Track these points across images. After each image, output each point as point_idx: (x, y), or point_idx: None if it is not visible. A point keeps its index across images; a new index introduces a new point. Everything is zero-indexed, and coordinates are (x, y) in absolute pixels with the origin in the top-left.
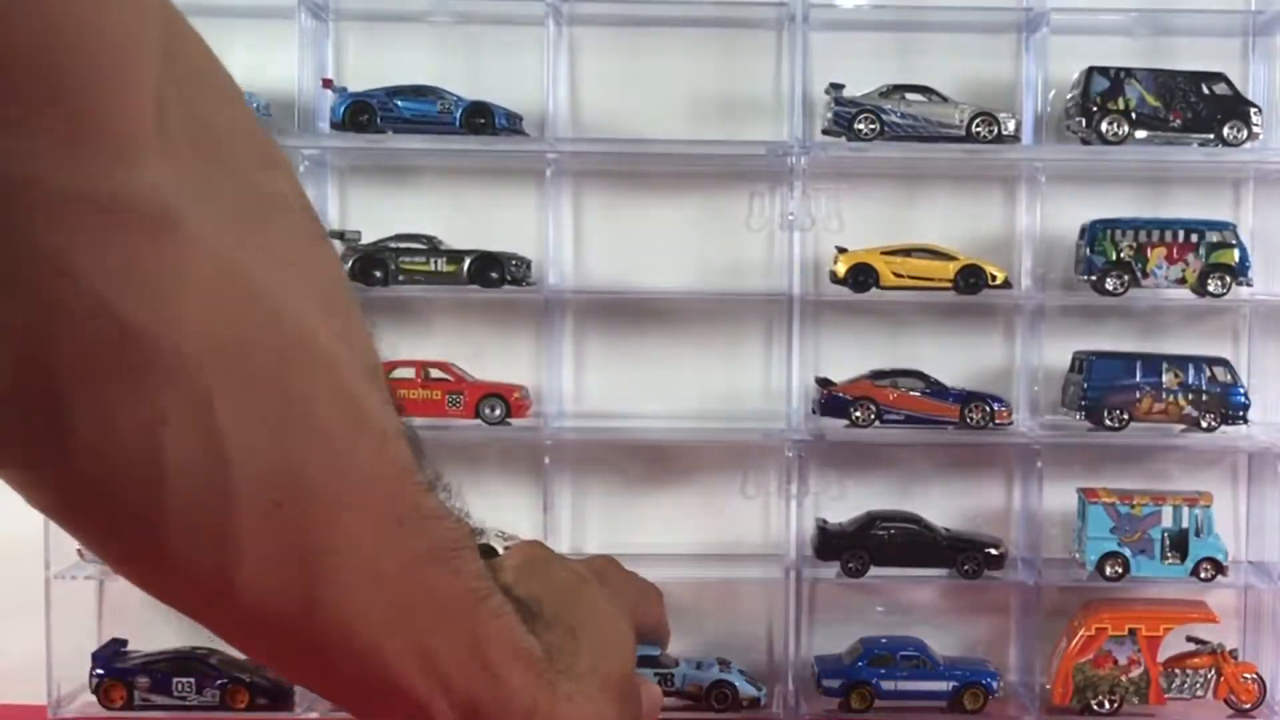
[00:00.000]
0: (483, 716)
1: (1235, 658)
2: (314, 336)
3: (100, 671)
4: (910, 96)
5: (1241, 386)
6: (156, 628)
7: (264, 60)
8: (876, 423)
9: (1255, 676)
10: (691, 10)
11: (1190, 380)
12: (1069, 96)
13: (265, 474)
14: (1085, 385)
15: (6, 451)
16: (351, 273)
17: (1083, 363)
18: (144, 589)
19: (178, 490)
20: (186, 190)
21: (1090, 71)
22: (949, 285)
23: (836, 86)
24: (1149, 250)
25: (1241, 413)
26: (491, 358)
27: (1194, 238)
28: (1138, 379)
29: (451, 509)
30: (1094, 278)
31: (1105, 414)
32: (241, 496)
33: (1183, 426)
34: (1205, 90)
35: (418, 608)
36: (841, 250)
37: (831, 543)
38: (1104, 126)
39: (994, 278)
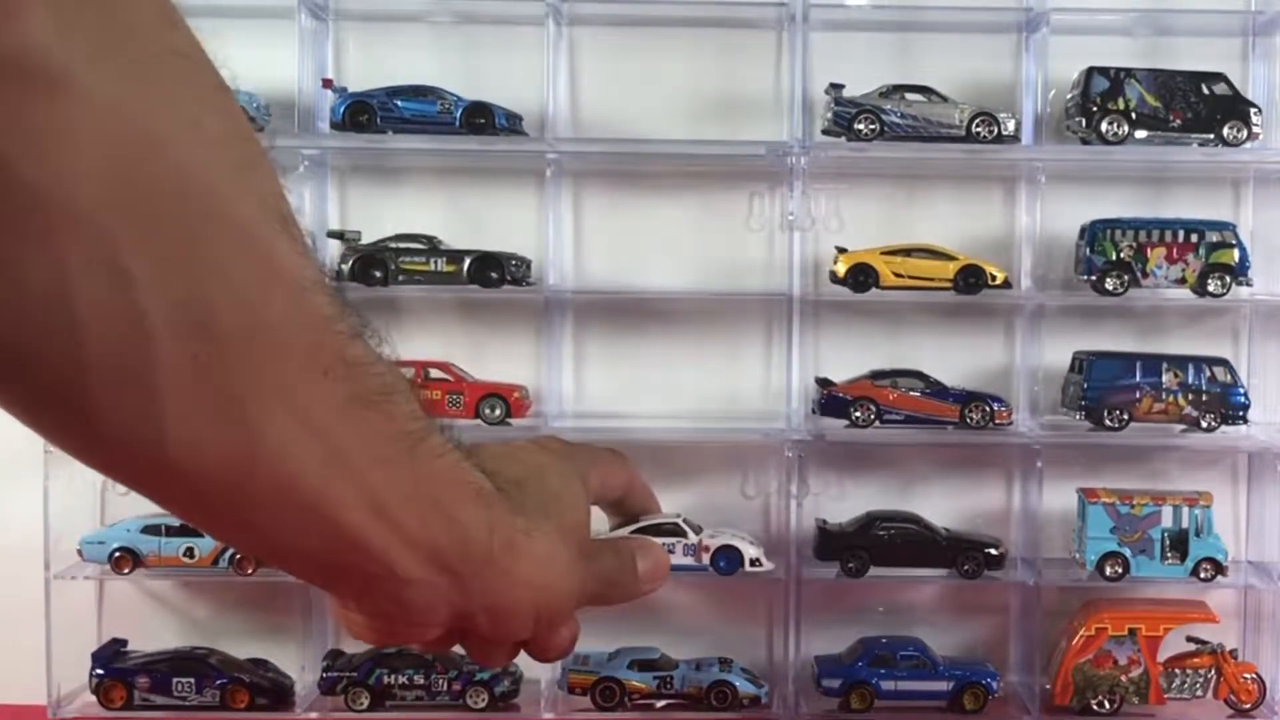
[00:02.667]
0: (445, 557)
1: (1235, 658)
2: (219, 187)
3: (100, 671)
4: (910, 96)
5: (1241, 386)
6: (156, 628)
7: (264, 60)
8: (876, 423)
9: (1255, 676)
10: (691, 10)
11: (1190, 380)
12: (1069, 96)
13: (179, 325)
14: (1085, 385)
15: None
16: (351, 273)
17: (1083, 363)
18: (84, 460)
19: (94, 343)
20: (78, 47)
21: (1090, 71)
22: (949, 285)
23: (836, 86)
24: (1149, 250)
25: (1241, 413)
26: (491, 358)
27: (1194, 238)
28: (1138, 379)
29: (380, 355)
30: (1094, 278)
31: (1105, 414)
32: (158, 347)
33: (1183, 426)
34: (1205, 90)
35: (355, 453)
36: (841, 250)
37: (831, 543)
38: (1104, 126)
39: (994, 278)
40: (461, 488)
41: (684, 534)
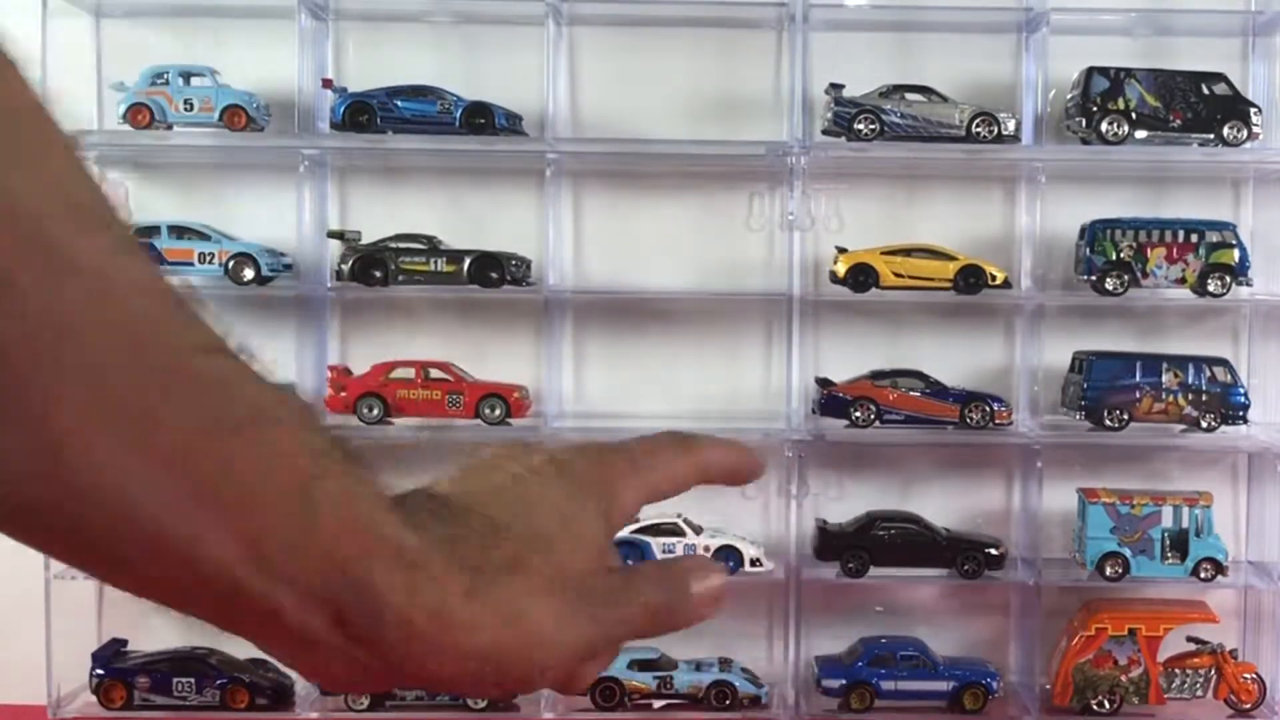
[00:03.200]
0: (352, 626)
1: (1235, 658)
2: None
3: (100, 671)
4: (910, 96)
5: (1241, 386)
6: (156, 628)
7: (264, 60)
8: (876, 423)
9: (1255, 676)
10: (691, 10)
11: (1190, 380)
12: (1069, 96)
13: None
14: (1085, 385)
15: None
16: (351, 273)
17: (1083, 363)
18: None
19: None
20: None
21: (1090, 71)
22: (949, 285)
23: (836, 86)
24: (1149, 250)
25: (1241, 413)
26: (491, 358)
27: (1194, 238)
28: (1138, 379)
29: (258, 378)
30: (1094, 278)
31: (1105, 414)
32: None
33: (1183, 426)
34: (1205, 90)
35: (218, 487)
36: (841, 250)
37: (831, 543)
38: (1104, 126)
39: (994, 278)
40: (372, 545)
41: (684, 534)
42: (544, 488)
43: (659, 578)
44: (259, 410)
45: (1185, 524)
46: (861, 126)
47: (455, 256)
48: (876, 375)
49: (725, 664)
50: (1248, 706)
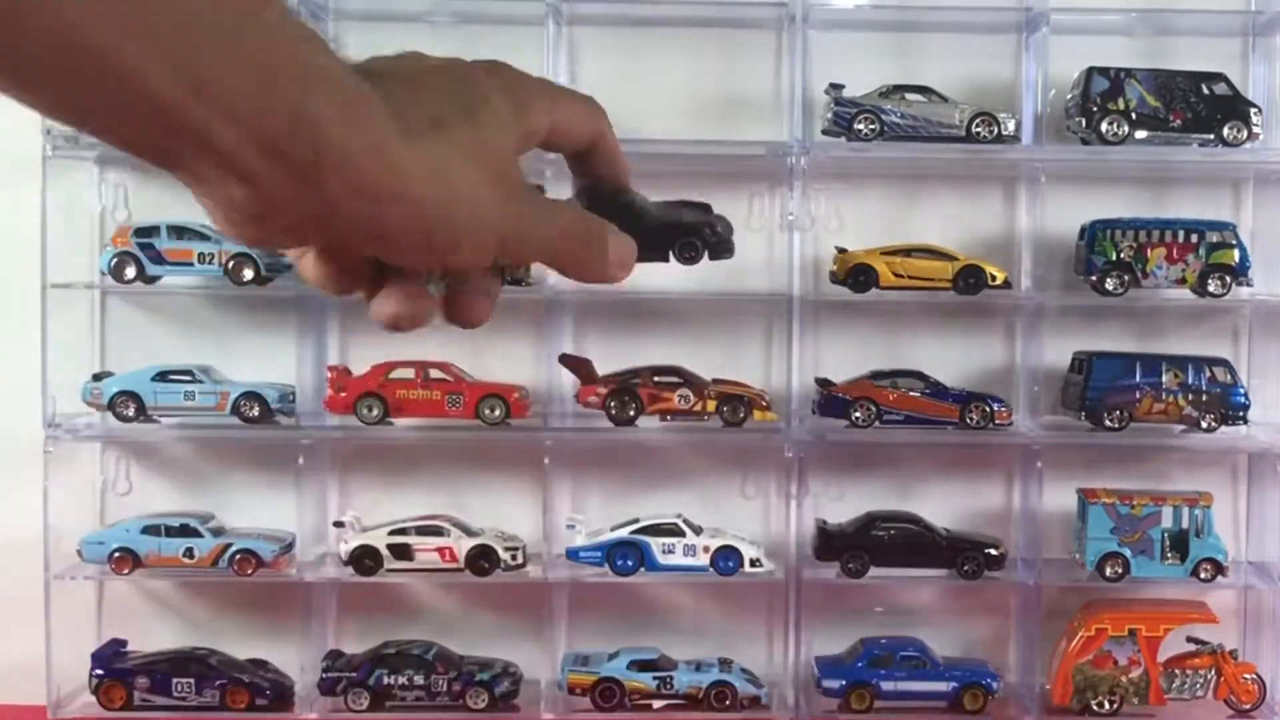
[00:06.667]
0: (287, 150)
1: (1235, 658)
2: None
3: (100, 671)
4: (910, 96)
5: (1241, 387)
6: (156, 628)
7: None
8: (876, 423)
9: (1255, 676)
10: (691, 10)
11: (1190, 380)
12: (1069, 96)
13: None
14: (1085, 385)
15: None
16: None
17: (1083, 363)
18: None
19: None
20: None
21: (1090, 71)
22: (949, 285)
23: (836, 86)
24: (1149, 250)
25: (1241, 413)
26: (491, 358)
27: (1194, 238)
28: (1138, 379)
29: None
30: (1094, 278)
31: (1105, 414)
32: None
33: (1183, 427)
34: (1205, 90)
35: (155, 14)
36: (841, 250)
37: (831, 543)
38: (1104, 126)
39: (994, 278)
40: (312, 72)
41: (684, 534)
42: (466, 74)
43: (581, 217)
44: None
45: (1185, 524)
46: (861, 126)
47: None
48: (876, 375)
49: (725, 664)
50: (1248, 707)
